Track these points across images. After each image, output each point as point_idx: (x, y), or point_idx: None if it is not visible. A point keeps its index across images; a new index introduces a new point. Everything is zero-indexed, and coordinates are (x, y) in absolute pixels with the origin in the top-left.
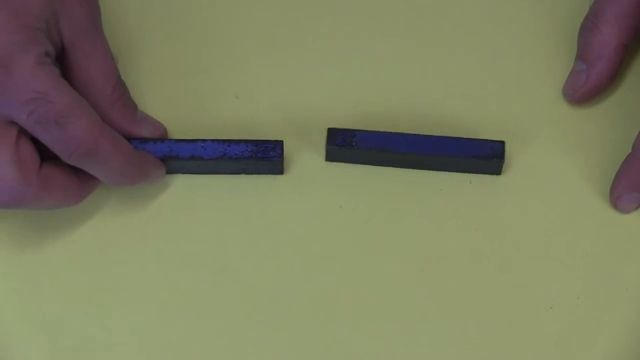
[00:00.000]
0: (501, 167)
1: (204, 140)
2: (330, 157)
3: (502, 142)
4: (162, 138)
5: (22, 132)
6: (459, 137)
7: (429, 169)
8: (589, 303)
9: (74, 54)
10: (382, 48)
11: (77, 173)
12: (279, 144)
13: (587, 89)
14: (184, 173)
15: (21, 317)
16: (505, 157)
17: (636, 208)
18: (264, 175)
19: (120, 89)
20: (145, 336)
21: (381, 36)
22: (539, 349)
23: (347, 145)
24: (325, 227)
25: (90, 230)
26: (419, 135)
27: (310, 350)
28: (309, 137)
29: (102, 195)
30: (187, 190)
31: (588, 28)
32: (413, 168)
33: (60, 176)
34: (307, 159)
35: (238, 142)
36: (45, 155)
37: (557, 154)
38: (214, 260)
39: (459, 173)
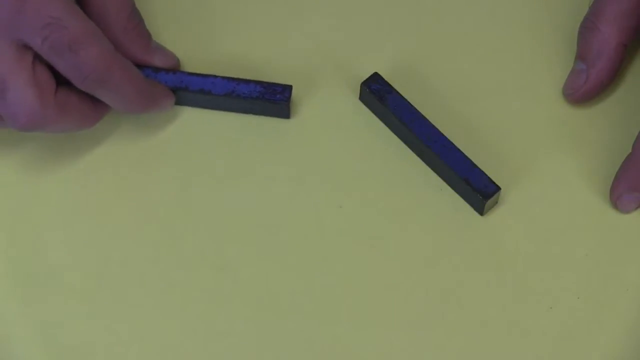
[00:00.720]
0: (483, 208)
1: (214, 76)
2: (362, 97)
3: (498, 188)
4: (174, 69)
5: (38, 56)
6: (464, 156)
7: (428, 165)
8: (589, 303)
9: None
10: (383, 49)
11: (92, 97)
12: (287, 88)
13: (587, 88)
14: (192, 106)
15: (21, 317)
16: (505, 157)
17: (636, 208)
18: (271, 118)
19: (135, 18)
20: (145, 336)
21: (382, 36)
22: (539, 349)
23: (377, 94)
24: (325, 227)
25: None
26: (437, 131)
27: (310, 350)
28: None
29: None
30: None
31: (588, 28)
32: (416, 155)
33: (75, 99)
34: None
35: (248, 81)
36: (60, 80)
37: (557, 154)
38: (213, 259)
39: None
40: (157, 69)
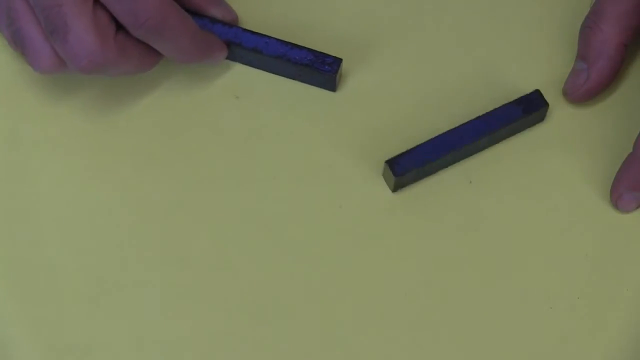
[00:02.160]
0: (546, 113)
1: (269, 37)
2: (397, 186)
3: (538, 91)
4: (231, 24)
5: (97, 1)
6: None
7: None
8: (589, 303)
9: None
10: (382, 48)
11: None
12: (337, 61)
13: (587, 88)
14: (243, 63)
15: (21, 317)
16: (504, 157)
17: (636, 208)
18: (317, 88)
19: None
20: (145, 336)
21: (382, 35)
22: (539, 349)
23: (408, 171)
24: (325, 227)
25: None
26: (466, 124)
27: (310, 350)
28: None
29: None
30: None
31: (589, 27)
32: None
33: (134, 43)
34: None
35: (301, 47)
36: (119, 25)
37: (557, 153)
38: (213, 259)
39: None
40: (214, 20)
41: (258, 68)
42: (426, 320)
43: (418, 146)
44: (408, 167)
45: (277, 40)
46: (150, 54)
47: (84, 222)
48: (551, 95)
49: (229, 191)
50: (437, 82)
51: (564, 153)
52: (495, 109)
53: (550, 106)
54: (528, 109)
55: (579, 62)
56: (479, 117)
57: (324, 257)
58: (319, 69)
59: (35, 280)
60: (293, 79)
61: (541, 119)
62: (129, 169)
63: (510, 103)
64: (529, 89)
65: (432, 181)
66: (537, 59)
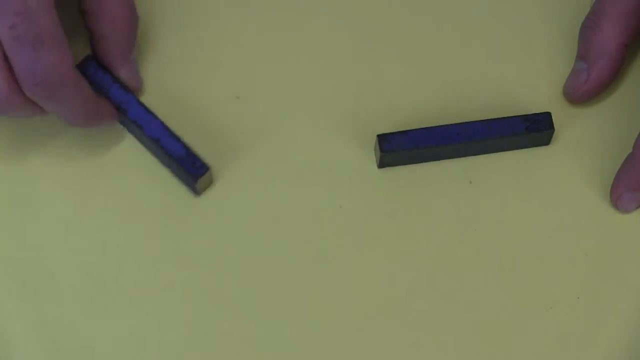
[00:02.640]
0: (551, 138)
1: (155, 117)
2: (383, 163)
3: (549, 114)
4: (130, 89)
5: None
6: (503, 117)
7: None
8: (589, 303)
9: None
10: (382, 49)
11: None
12: (204, 167)
13: (587, 88)
14: (130, 132)
15: (21, 317)
16: (504, 157)
17: (636, 208)
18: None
19: (134, 22)
20: (145, 336)
21: (382, 36)
22: (539, 349)
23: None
24: (325, 227)
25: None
26: (465, 123)
27: (310, 349)
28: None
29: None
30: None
31: (589, 27)
32: (464, 156)
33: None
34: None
35: (178, 140)
36: None
37: (557, 153)
38: (213, 260)
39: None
40: (115, 80)
41: (140, 143)
42: (426, 321)
43: (412, 130)
44: (396, 147)
45: (162, 123)
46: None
47: (83, 222)
48: (551, 96)
49: (229, 191)
50: (437, 82)
51: (564, 153)
52: (500, 118)
53: (550, 106)
54: (532, 127)
55: (579, 62)
56: (481, 121)
57: (323, 257)
58: (189, 170)
59: (35, 280)
60: (166, 167)
61: (546, 142)
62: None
63: (516, 116)
64: (529, 89)
65: (432, 181)
66: (537, 59)
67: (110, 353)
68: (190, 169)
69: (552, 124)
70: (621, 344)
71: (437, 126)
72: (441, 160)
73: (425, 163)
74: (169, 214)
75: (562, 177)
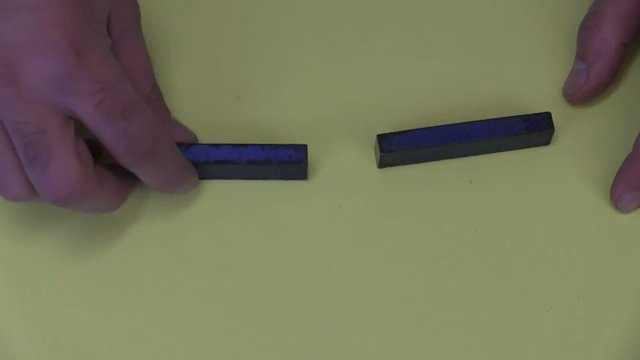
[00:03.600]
0: (551, 136)
1: (219, 144)
2: (383, 163)
3: (549, 114)
4: (195, 143)
5: (77, 129)
6: (503, 117)
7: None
8: (589, 303)
9: (119, 49)
10: (382, 49)
11: (121, 176)
12: (301, 148)
13: (587, 88)
14: (210, 178)
15: (21, 317)
16: (504, 157)
17: (636, 208)
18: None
19: (158, 90)
20: (145, 336)
21: (382, 36)
22: (539, 349)
23: (397, 149)
24: (325, 227)
25: (92, 231)
26: (465, 123)
27: (310, 350)
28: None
29: None
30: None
31: (588, 27)
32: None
33: (110, 176)
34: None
35: (254, 146)
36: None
37: (557, 153)
38: (213, 260)
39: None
40: (186, 144)
41: (227, 178)
42: (426, 321)
43: (412, 130)
44: (396, 147)
45: (229, 145)
46: (123, 189)
47: (84, 221)
48: (551, 96)
49: (229, 192)
50: (437, 82)
51: (563, 153)
52: (500, 118)
53: (550, 106)
54: (532, 127)
55: (579, 62)
56: (481, 121)
57: (323, 257)
58: (286, 160)
59: (35, 280)
60: (267, 179)
61: (545, 142)
62: None
63: (516, 116)
64: (529, 89)
65: (432, 181)
66: (537, 59)
67: (110, 353)
68: (294, 156)
69: (552, 124)
70: (621, 344)
71: (437, 126)
72: (441, 160)
73: (426, 163)
74: (166, 214)
75: (562, 177)
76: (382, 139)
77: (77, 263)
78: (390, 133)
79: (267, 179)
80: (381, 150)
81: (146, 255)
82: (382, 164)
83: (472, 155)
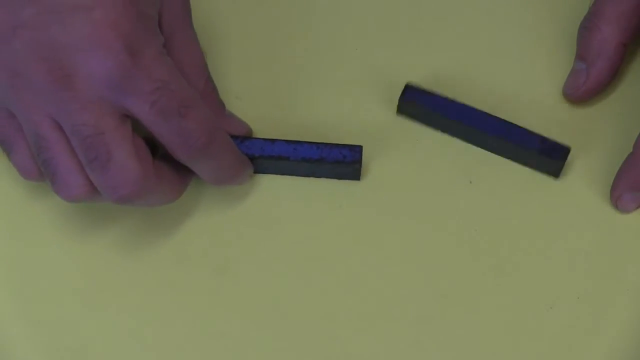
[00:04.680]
0: (560, 169)
1: (274, 140)
2: (401, 110)
3: (568, 148)
4: (251, 137)
5: (134, 126)
6: (524, 128)
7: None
8: (589, 303)
9: (171, 45)
10: (382, 48)
11: (178, 169)
12: (357, 149)
13: (587, 88)
14: (263, 173)
15: (21, 317)
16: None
17: (636, 208)
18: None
19: (212, 84)
20: (144, 336)
21: (382, 36)
22: (539, 349)
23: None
24: (325, 227)
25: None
26: (489, 115)
27: (310, 350)
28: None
29: None
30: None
31: (588, 27)
32: (475, 144)
33: (168, 170)
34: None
35: (307, 143)
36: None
37: None
38: (213, 260)
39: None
40: (234, 137)
41: (282, 174)
42: (426, 321)
43: (437, 95)
44: (417, 101)
45: (284, 141)
46: (181, 182)
47: (83, 221)
48: (551, 96)
49: (229, 191)
50: (436, 82)
51: None
52: (521, 127)
53: (550, 106)
54: (545, 150)
55: (578, 62)
56: (504, 121)
57: (323, 257)
58: (340, 160)
59: (35, 280)
60: (319, 177)
61: (554, 173)
62: None
63: (535, 133)
64: (529, 89)
65: (432, 181)
66: (537, 59)
67: (110, 353)
68: (349, 157)
69: (565, 156)
70: (621, 344)
71: (460, 103)
72: (441, 160)
73: (426, 163)
74: (169, 215)
75: (562, 177)
76: (408, 88)
77: (77, 263)
78: (419, 88)
79: (320, 177)
80: (402, 100)
81: (146, 255)
82: (399, 110)
83: (475, 146)
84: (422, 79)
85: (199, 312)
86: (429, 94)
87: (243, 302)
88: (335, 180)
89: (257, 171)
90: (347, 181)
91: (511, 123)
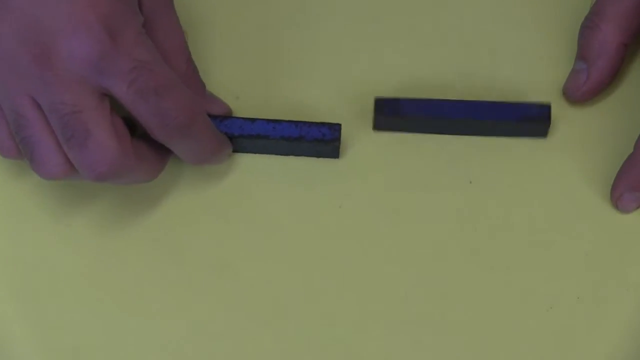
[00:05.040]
0: (547, 129)
1: (254, 119)
2: (378, 126)
3: (549, 105)
4: (230, 117)
5: (113, 106)
6: (504, 102)
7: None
8: (589, 303)
9: (152, 26)
10: (381, 48)
11: (157, 148)
12: (336, 127)
13: (587, 88)
14: (243, 152)
15: (21, 317)
16: (505, 157)
17: (637, 208)
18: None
19: (193, 64)
20: (145, 336)
21: (382, 36)
22: (539, 349)
23: (394, 114)
24: (325, 227)
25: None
26: (459, 101)
27: (310, 350)
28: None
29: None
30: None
31: (589, 27)
32: (460, 134)
33: (147, 149)
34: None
35: (287, 122)
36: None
37: (557, 153)
38: (212, 260)
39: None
40: (213, 116)
41: (263, 153)
42: (426, 321)
43: (406, 99)
44: (390, 114)
45: (264, 120)
46: (160, 160)
47: (84, 221)
48: (551, 95)
49: (229, 191)
50: (436, 82)
51: (564, 153)
52: (496, 102)
53: (550, 106)
54: (527, 116)
55: (579, 62)
56: (475, 101)
57: (323, 257)
58: (320, 138)
59: (35, 280)
60: (299, 156)
61: (542, 133)
62: None
63: (514, 103)
64: (529, 89)
65: (432, 181)
66: (537, 59)
67: (111, 353)
68: (328, 135)
69: (549, 116)
70: (621, 344)
71: (432, 99)
72: (441, 159)
73: (426, 162)
74: (167, 212)
75: (562, 177)
76: (380, 102)
77: (77, 262)
78: (387, 98)
79: (299, 155)
80: (377, 113)
81: (146, 254)
82: (376, 126)
83: (464, 135)
84: (421, 79)
85: (199, 312)
86: (400, 101)
87: (243, 302)
88: (315, 159)
89: (237, 150)
90: (326, 159)
91: (484, 102)
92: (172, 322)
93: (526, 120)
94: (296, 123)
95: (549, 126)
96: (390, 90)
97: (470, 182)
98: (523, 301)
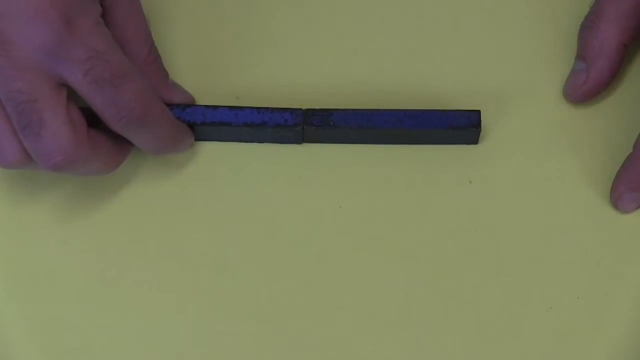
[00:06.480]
0: (478, 136)
1: (216, 106)
2: (307, 138)
3: (478, 111)
4: (192, 104)
5: (70, 95)
6: (434, 109)
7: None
8: (589, 303)
9: (113, 13)
10: (381, 48)
11: (117, 139)
12: (297, 110)
13: (587, 88)
14: (206, 140)
15: (21, 317)
16: (505, 157)
17: (636, 208)
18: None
19: (155, 52)
20: (145, 336)
21: (382, 36)
22: (539, 349)
23: (324, 125)
24: (325, 227)
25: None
26: (394, 110)
27: (309, 350)
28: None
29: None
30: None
31: (588, 27)
32: (391, 143)
33: (104, 140)
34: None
35: (249, 108)
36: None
37: (557, 153)
38: (211, 259)
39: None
40: (183, 106)
41: (226, 140)
42: (426, 321)
43: (335, 110)
44: (321, 125)
45: (226, 107)
46: (118, 152)
47: (84, 221)
48: (551, 95)
49: (228, 190)
50: (436, 81)
51: (564, 153)
52: (425, 110)
53: (550, 106)
54: (455, 123)
55: (579, 62)
56: (403, 110)
57: (323, 258)
58: (284, 124)
59: (35, 280)
60: (262, 142)
61: (473, 140)
62: None
63: (442, 110)
64: (528, 89)
65: (432, 181)
66: (537, 59)
67: (111, 353)
68: (290, 120)
69: (479, 123)
70: (621, 344)
71: (357, 109)
72: (441, 157)
73: (425, 162)
74: (165, 212)
75: (562, 177)
76: (308, 113)
77: (77, 262)
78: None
79: (262, 142)
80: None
81: (146, 254)
82: (305, 140)
83: (393, 144)
84: (420, 78)
85: (199, 312)
86: (332, 112)
87: (243, 302)
88: (279, 145)
89: (200, 138)
90: (289, 145)
91: (413, 110)
92: (173, 322)
93: (457, 127)
94: (258, 109)
95: (479, 133)
96: (387, 91)
97: (471, 182)
98: (523, 301)
